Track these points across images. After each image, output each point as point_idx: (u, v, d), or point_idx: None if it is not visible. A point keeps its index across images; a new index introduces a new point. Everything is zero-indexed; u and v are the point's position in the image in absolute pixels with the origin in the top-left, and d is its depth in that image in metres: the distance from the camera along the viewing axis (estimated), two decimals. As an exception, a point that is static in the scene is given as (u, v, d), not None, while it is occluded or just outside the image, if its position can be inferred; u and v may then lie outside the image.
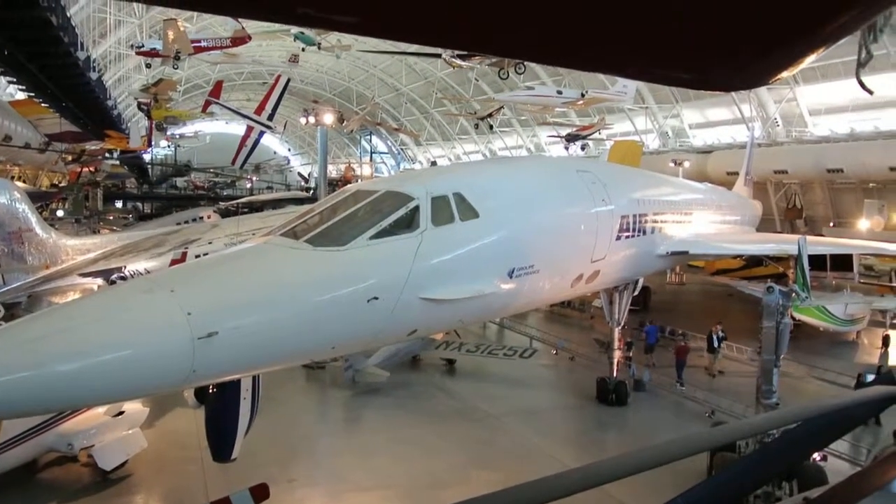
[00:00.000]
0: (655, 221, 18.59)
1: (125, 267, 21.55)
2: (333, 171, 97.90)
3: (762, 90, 48.12)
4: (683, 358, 24.07)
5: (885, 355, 27.65)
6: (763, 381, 14.32)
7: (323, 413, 20.78)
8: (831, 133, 45.86)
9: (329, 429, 19.20)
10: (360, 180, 60.91)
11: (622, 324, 20.90)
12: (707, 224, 25.65)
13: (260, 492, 10.58)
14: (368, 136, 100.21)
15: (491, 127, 63.81)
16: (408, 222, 9.42)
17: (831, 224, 48.74)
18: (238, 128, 62.23)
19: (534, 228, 11.76)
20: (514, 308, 12.68)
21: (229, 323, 7.19)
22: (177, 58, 39.46)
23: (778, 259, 32.97)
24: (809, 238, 23.63)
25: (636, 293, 20.95)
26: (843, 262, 33.11)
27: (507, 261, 10.75)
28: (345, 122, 62.26)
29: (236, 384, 10.74)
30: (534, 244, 11.50)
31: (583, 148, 58.16)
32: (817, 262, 29.32)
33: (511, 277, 10.78)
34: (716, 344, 24.70)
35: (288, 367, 10.26)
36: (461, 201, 10.19)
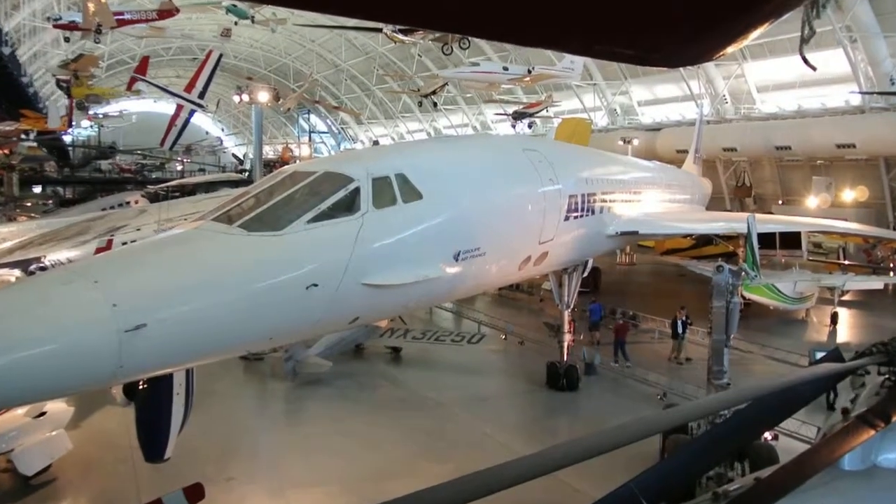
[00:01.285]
0: (604, 201, 18.86)
1: (45, 257, 20.83)
2: (270, 152, 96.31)
3: (710, 67, 49.01)
4: (623, 337, 24.62)
5: (833, 332, 28.57)
6: (714, 362, 14.66)
7: (262, 407, 20.58)
8: (779, 110, 46.86)
9: (269, 423, 18.98)
10: (298, 161, 60.28)
11: (572, 306, 21.15)
12: (657, 203, 26.02)
13: (194, 492, 10.41)
14: (307, 115, 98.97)
15: (435, 105, 63.62)
16: (348, 205, 9.37)
17: (780, 202, 50.18)
18: (167, 107, 60.71)
19: (479, 210, 11.84)
20: (460, 292, 12.74)
21: (159, 314, 7.05)
22: (98, 31, 38.31)
23: (728, 238, 33.65)
24: (758, 216, 24.22)
25: (586, 274, 21.15)
26: (792, 240, 33.81)
27: (452, 244, 10.83)
28: (281, 99, 61.51)
29: (168, 379, 10.54)
30: (480, 226, 11.61)
31: (530, 126, 58.38)
32: (767, 240, 29.87)
33: (457, 261, 10.87)
34: (680, 330, 24.51)
35: (224, 360, 10.12)
36: (404, 182, 10.20)
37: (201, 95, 41.06)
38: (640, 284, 43.20)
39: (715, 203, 46.10)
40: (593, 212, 17.67)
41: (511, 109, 56.24)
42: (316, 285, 8.39)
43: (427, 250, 10.38)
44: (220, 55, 43.87)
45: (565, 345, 21.15)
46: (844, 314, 31.40)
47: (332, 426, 18.37)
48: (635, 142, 49.58)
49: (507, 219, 12.89)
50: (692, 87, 50.44)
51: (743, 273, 15.10)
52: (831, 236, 38.23)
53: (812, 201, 44.81)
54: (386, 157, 11.46)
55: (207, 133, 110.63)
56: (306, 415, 19.66)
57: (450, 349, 24.07)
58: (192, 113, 41.75)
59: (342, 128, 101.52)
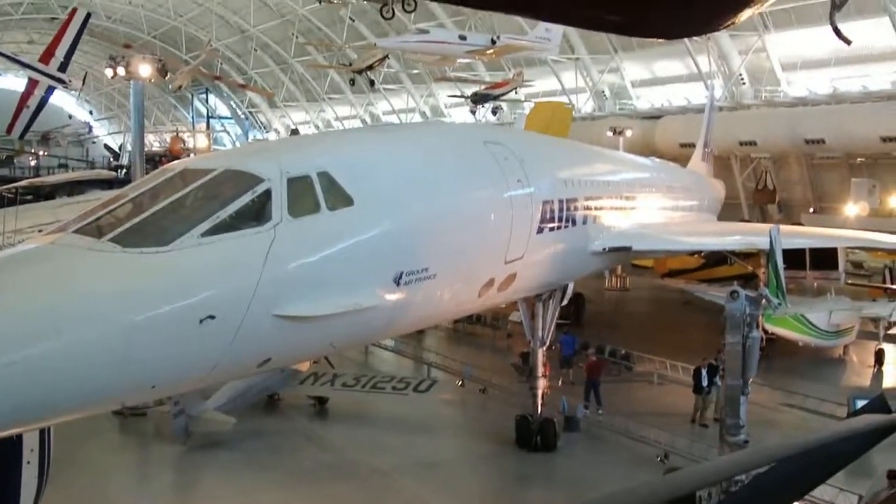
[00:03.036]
0: (589, 208, 19.16)
1: None
2: (155, 143, 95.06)
3: (723, 38, 49.73)
4: (596, 376, 25.01)
5: (878, 375, 28.87)
6: (727, 414, 14.84)
7: (144, 478, 20.16)
8: (809, 94, 47.49)
9: (153, 500, 18.44)
10: (192, 155, 59.52)
11: (548, 343, 21.20)
12: (656, 211, 26.47)
13: None
14: (204, 95, 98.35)
15: (372, 84, 63.57)
16: (255, 213, 9.32)
17: (811, 210, 50.84)
18: (16, 82, 59.54)
19: (428, 220, 11.96)
20: (404, 326, 12.89)
21: (1, 357, 6.89)
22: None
23: (746, 256, 33.84)
24: (784, 228, 24.53)
25: (565, 303, 21.34)
26: (826, 259, 34.28)
27: (392, 263, 10.85)
28: (170, 74, 60.33)
29: (15, 443, 10.30)
30: (428, 240, 11.68)
31: (494, 112, 59.00)
32: (795, 258, 30.13)
33: (398, 285, 10.90)
34: (704, 383, 23.63)
35: (92, 416, 9.79)
36: (330, 184, 10.22)
37: (62, 68, 40.29)
38: (634, 315, 43.40)
39: (729, 211, 46.50)
40: (574, 222, 17.90)
41: (470, 91, 56.41)
42: (213, 317, 8.29)
43: (359, 272, 10.37)
44: (88, 14, 43.20)
45: (539, 392, 21.12)
46: (892, 351, 31.35)
47: (236, 500, 17.96)
48: (629, 133, 50.10)
49: (464, 231, 12.98)
50: (700, 65, 50.81)
51: (764, 300, 15.26)
52: (875, 254, 38.72)
53: (851, 209, 45.47)
54: (307, 151, 11.54)
55: (71, 117, 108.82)
56: (203, 487, 19.29)
57: (391, 399, 23.98)
58: (50, 90, 40.97)
59: (251, 112, 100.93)
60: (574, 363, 27.85)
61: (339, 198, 10.29)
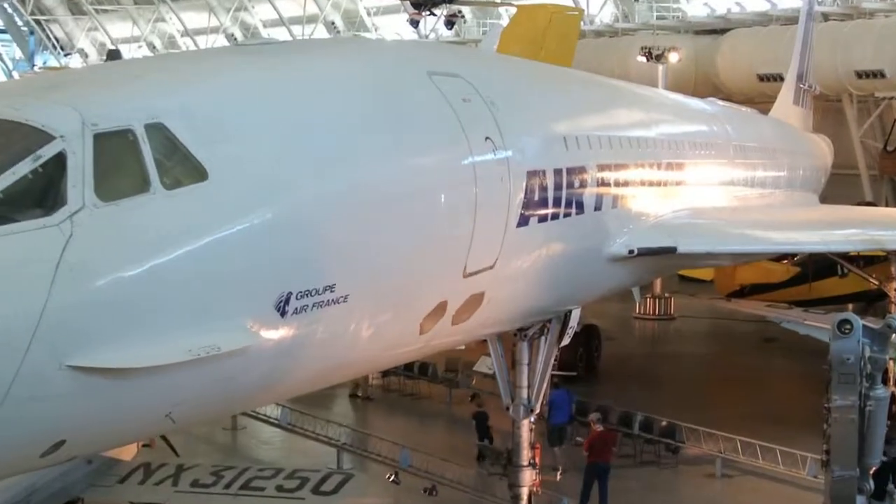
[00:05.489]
0: (607, 184, 17.13)
1: None
2: None
3: None
4: (604, 459, 22.30)
5: None
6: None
7: None
8: None
9: None
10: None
11: (538, 408, 18.73)
12: (717, 188, 24.10)
13: None
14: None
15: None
16: (38, 193, 8.30)
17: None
18: None
19: (332, 206, 10.49)
20: (295, 383, 11.29)
21: None
22: None
23: (867, 262, 31.53)
24: None
25: (568, 341, 18.74)
26: None
27: (272, 278, 9.67)
28: None
29: None
30: (333, 240, 10.33)
31: (450, 24, 54.07)
32: None
33: (283, 315, 9.70)
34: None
35: None
36: (167, 144, 9.10)
37: None
38: (683, 360, 38.19)
39: (841, 186, 41.95)
40: (582, 207, 16.01)
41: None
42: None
43: (218, 293, 9.26)
44: None
45: (524, 492, 18.96)
46: None
47: None
48: (674, 57, 44.99)
49: (393, 224, 11.32)
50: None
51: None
52: None
53: None
54: (129, 89, 10.18)
55: None
56: None
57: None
58: None
59: (39, 22, 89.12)
60: (571, 436, 24.68)
61: (182, 168, 9.24)
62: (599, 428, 23.02)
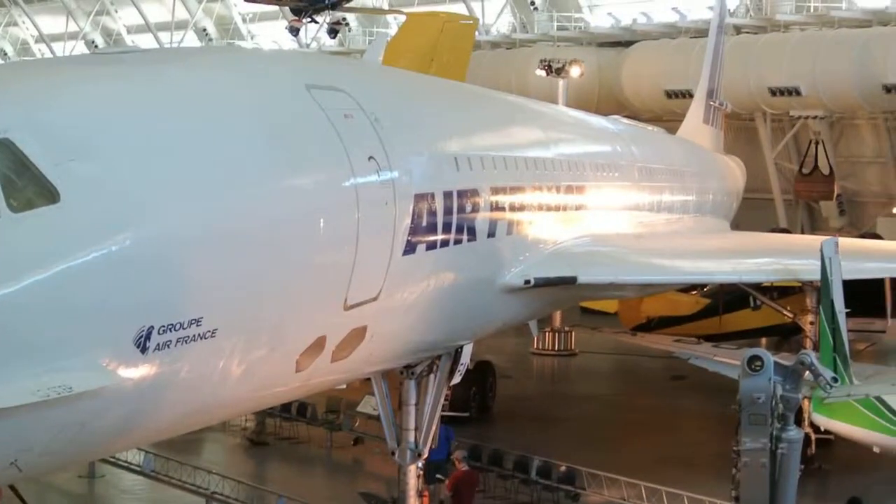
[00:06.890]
0: (501, 209, 17.24)
1: None
2: None
3: None
4: (465, 500, 21.76)
5: None
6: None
7: None
8: (892, 5, 43.98)
9: None
10: None
11: (426, 453, 18.49)
12: (621, 213, 24.48)
13: None
14: None
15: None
16: None
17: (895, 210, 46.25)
18: None
19: (198, 230, 10.18)
20: (157, 427, 11.19)
21: None
22: None
23: (781, 293, 31.42)
24: (847, 243, 22.84)
25: (458, 380, 18.76)
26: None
27: (131, 311, 9.35)
28: None
29: None
30: (200, 269, 10.04)
31: (334, 32, 52.47)
32: (867, 294, 27.47)
33: (144, 351, 9.40)
34: None
35: None
36: (14, 162, 8.88)
37: None
38: (584, 400, 37.39)
39: (753, 208, 42.65)
40: (474, 233, 16.03)
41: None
42: None
43: (69, 326, 8.92)
44: None
45: None
46: None
47: None
48: (576, 71, 43.77)
49: (267, 252, 11.12)
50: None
51: (809, 373, 13.45)
52: None
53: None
54: None
55: None
56: None
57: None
58: None
59: None
60: (448, 474, 23.67)
61: (31, 188, 9.02)
62: (464, 467, 22.68)
